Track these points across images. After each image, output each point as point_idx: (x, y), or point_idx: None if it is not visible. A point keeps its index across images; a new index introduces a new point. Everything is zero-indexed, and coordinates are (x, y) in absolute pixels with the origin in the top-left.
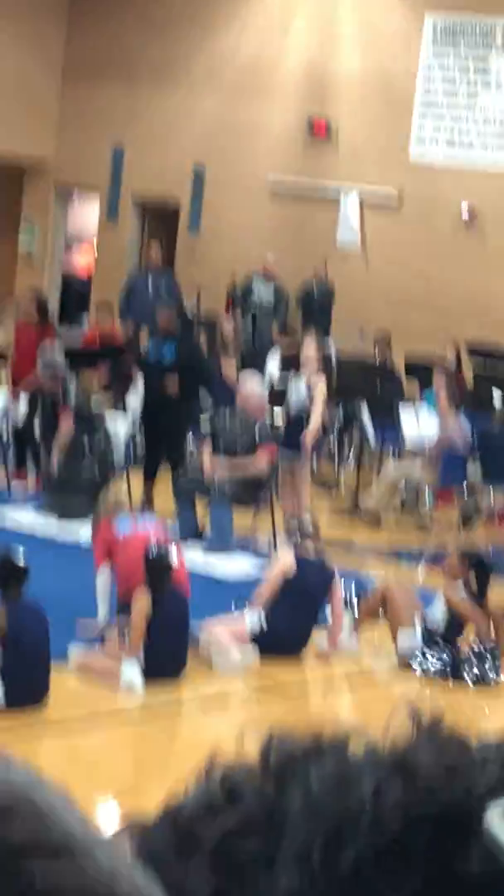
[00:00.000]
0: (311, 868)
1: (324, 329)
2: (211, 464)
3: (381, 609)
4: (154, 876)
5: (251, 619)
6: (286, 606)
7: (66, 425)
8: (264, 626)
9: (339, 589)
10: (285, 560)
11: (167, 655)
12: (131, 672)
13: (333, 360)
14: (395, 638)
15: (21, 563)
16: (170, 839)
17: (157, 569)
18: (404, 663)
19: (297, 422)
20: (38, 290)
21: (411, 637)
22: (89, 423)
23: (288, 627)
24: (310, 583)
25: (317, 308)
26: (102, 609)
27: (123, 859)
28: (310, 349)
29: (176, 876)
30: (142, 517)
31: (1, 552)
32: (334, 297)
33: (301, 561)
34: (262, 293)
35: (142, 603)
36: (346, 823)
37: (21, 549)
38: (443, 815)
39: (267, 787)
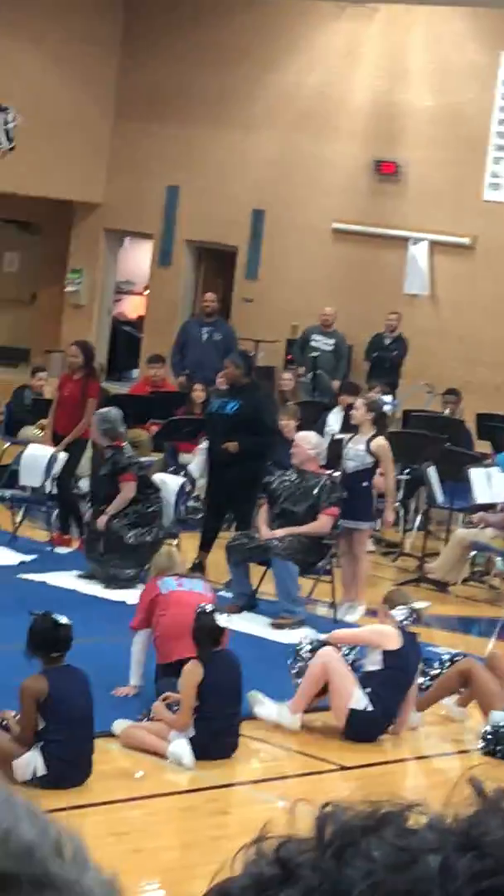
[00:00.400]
0: None
1: (390, 385)
2: (268, 528)
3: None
4: None
5: (357, 695)
6: (391, 684)
7: (129, 492)
8: (369, 706)
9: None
10: (390, 634)
11: (219, 727)
12: (179, 746)
13: (392, 416)
14: (485, 715)
15: (63, 627)
16: None
17: (208, 629)
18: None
19: (354, 486)
20: (83, 340)
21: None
22: (142, 483)
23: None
24: (411, 661)
25: (387, 364)
26: (136, 675)
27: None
28: (359, 412)
29: None
30: (190, 579)
31: (42, 614)
32: (406, 352)
33: (406, 636)
34: (322, 346)
35: (193, 673)
36: None
37: (64, 617)
38: None
39: (324, 861)
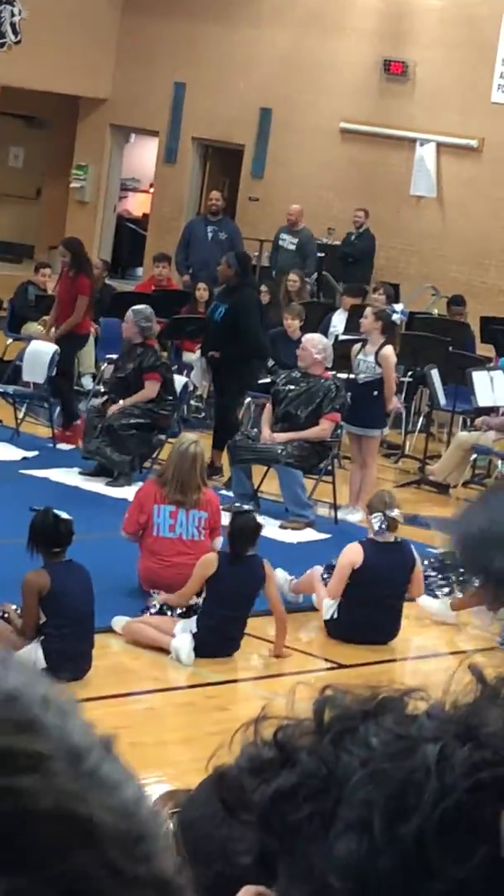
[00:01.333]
0: (370, 836)
1: (393, 288)
2: (269, 431)
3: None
4: (193, 842)
5: (327, 606)
6: (360, 598)
7: (152, 391)
8: (335, 614)
9: (420, 573)
10: (353, 554)
11: (221, 627)
12: (182, 641)
13: (402, 324)
14: None
15: (64, 522)
16: (214, 801)
17: (244, 529)
18: None
19: (365, 395)
20: (70, 237)
21: None
22: (164, 386)
23: (366, 616)
24: (385, 568)
25: (350, 259)
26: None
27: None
28: (367, 321)
29: (218, 838)
30: (189, 516)
31: (43, 510)
32: (374, 249)
33: (379, 546)
34: (287, 245)
35: (206, 566)
36: (409, 790)
37: (65, 513)
38: None
39: (323, 747)
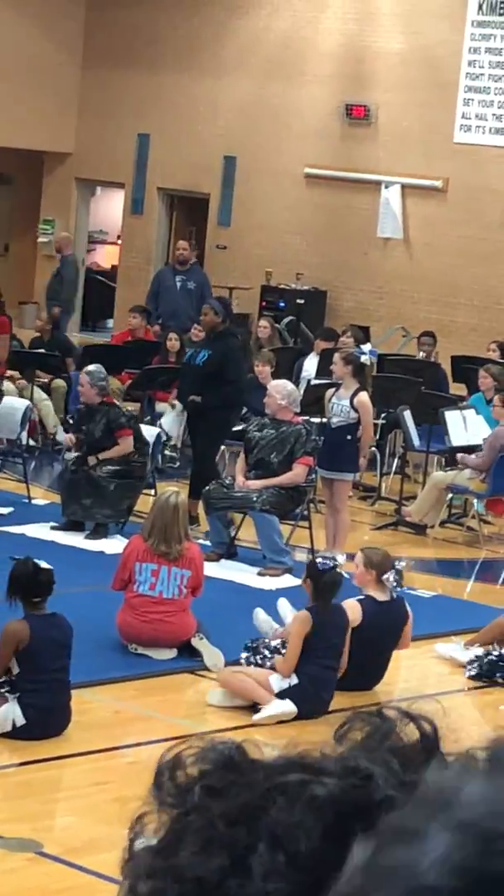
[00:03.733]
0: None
1: (363, 331)
2: (243, 478)
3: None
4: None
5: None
6: (352, 656)
7: (127, 447)
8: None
9: (410, 626)
10: (353, 615)
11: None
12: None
13: (372, 365)
14: None
15: (44, 572)
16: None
17: (330, 583)
18: None
19: (338, 439)
20: None
21: None
22: (135, 437)
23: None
24: (382, 628)
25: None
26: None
27: None
28: (337, 367)
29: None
30: (171, 573)
31: (23, 559)
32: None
33: (378, 605)
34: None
35: (303, 622)
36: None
37: (45, 562)
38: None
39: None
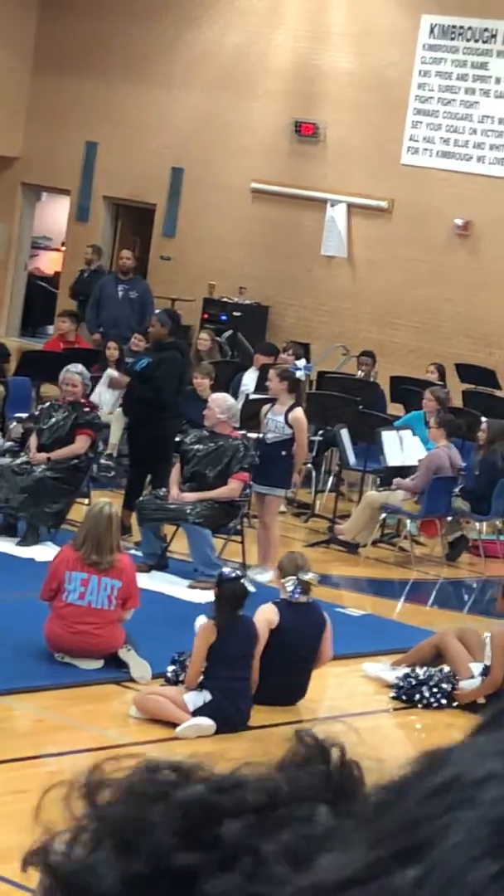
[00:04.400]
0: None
1: (302, 347)
2: (178, 490)
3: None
4: None
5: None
6: (273, 659)
7: (82, 446)
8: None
9: (330, 635)
10: (268, 617)
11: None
12: (202, 722)
13: (307, 380)
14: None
15: None
16: None
17: (233, 594)
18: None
19: (272, 454)
20: None
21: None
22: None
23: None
24: (299, 630)
25: (83, 297)
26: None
27: None
28: (273, 383)
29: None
30: (102, 582)
31: None
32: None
33: (293, 607)
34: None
35: (207, 633)
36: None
37: None
38: None
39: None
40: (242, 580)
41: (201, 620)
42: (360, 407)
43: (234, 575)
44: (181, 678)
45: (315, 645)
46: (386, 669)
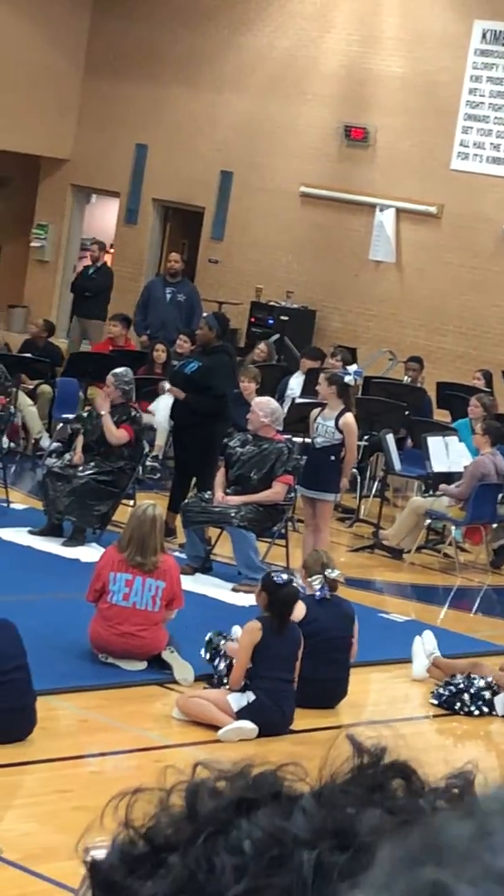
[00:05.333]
0: None
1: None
2: (223, 493)
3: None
4: None
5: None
6: (309, 658)
7: (120, 436)
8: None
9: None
10: (296, 611)
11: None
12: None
13: (357, 385)
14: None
15: None
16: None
17: (285, 599)
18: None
19: (322, 459)
20: None
21: None
22: (136, 448)
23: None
24: (328, 620)
25: (86, 292)
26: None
27: None
28: (322, 388)
29: None
30: (146, 584)
31: None
32: (110, 283)
33: (320, 601)
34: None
35: (252, 632)
36: None
37: None
38: None
39: (194, 850)
40: (294, 584)
41: (237, 632)
42: (407, 412)
43: (286, 580)
44: (216, 663)
45: (347, 636)
46: (424, 658)
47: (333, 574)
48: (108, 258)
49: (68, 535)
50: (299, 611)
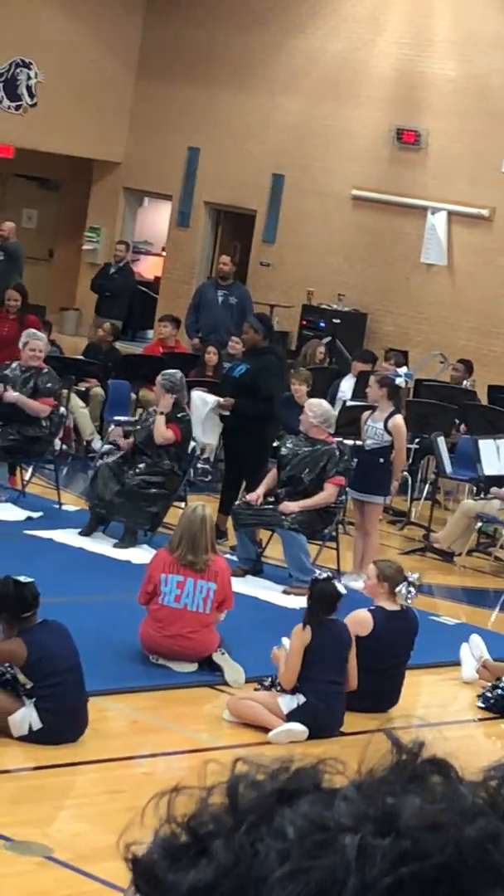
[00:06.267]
0: None
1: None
2: (258, 494)
3: None
4: None
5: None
6: (365, 666)
7: (166, 434)
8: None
9: None
10: (363, 621)
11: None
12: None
13: (408, 387)
14: None
15: (26, 587)
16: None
17: (326, 595)
18: None
19: (371, 461)
20: (20, 284)
21: None
22: (182, 446)
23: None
24: (393, 637)
25: (108, 292)
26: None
27: None
28: (372, 390)
29: None
30: (198, 586)
31: (2, 579)
32: (131, 283)
33: (389, 614)
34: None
35: (300, 636)
36: (330, 889)
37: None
38: (433, 879)
39: (238, 837)
40: (333, 580)
41: (286, 643)
42: (458, 414)
43: (325, 576)
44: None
45: (409, 650)
46: (473, 658)
47: (413, 577)
48: (128, 257)
49: (120, 537)
50: (365, 623)
